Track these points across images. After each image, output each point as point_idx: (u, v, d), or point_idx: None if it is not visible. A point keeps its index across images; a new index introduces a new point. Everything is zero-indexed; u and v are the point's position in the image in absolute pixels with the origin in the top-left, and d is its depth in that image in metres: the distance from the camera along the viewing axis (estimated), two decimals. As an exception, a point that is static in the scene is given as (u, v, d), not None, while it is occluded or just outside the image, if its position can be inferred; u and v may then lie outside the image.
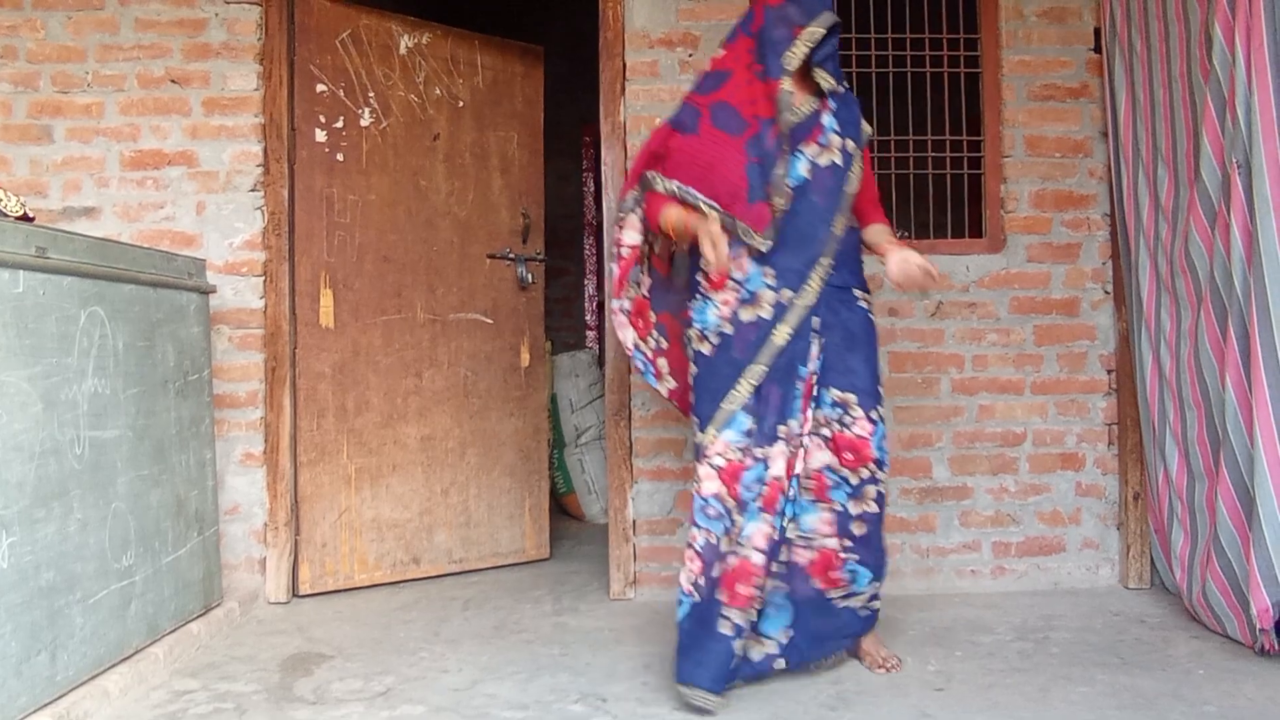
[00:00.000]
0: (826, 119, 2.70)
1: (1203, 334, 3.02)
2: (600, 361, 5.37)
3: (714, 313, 2.65)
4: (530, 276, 4.10)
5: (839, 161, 2.69)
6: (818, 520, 2.66)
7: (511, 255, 4.06)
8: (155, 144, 3.55)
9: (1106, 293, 3.65)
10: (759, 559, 2.55)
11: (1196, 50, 3.03)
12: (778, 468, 2.58)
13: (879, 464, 2.67)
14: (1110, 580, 3.63)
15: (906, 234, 3.72)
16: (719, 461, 2.58)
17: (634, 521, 3.58)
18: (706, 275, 2.67)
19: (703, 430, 2.62)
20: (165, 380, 2.95)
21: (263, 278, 3.54)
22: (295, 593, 3.59)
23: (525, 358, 4.12)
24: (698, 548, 2.59)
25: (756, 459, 2.59)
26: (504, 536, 4.06)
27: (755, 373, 2.58)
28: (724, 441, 2.59)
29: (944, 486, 3.62)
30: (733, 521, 2.57)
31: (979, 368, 3.63)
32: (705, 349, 2.66)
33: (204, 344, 3.22)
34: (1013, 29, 3.65)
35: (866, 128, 2.81)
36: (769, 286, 2.61)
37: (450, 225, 3.93)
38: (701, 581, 2.58)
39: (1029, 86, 3.65)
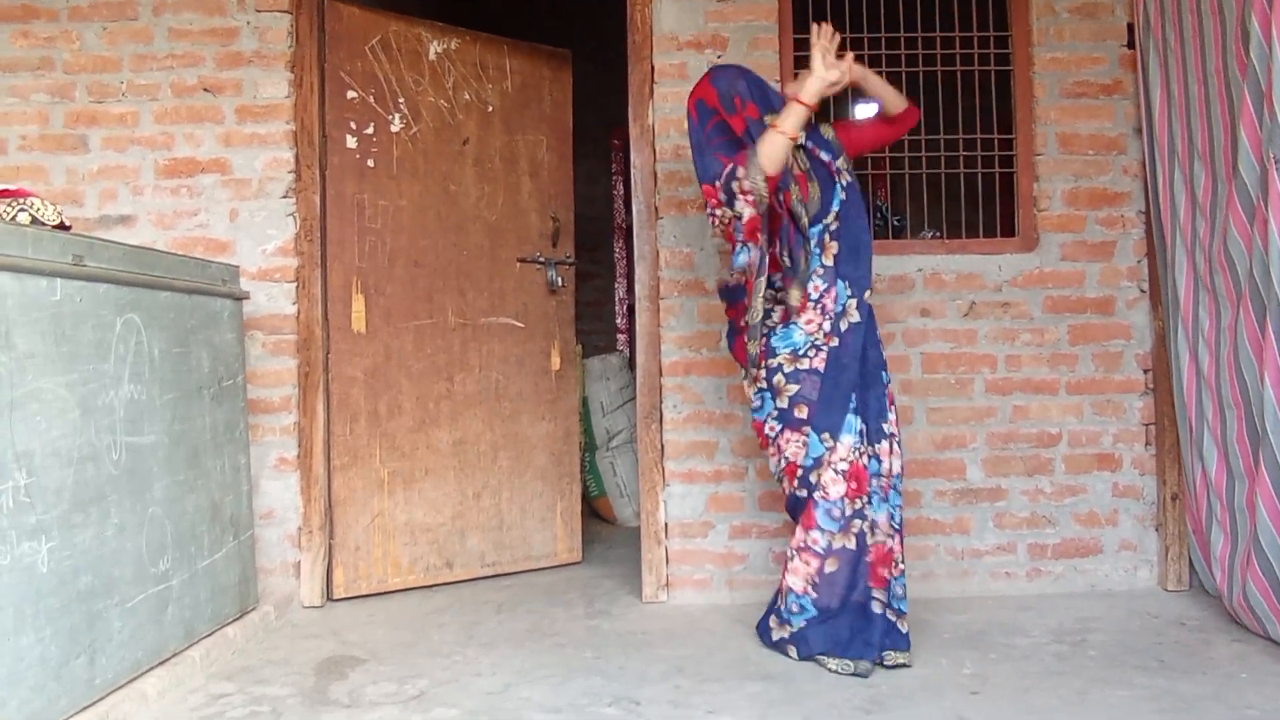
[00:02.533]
0: (824, 155, 3.01)
1: (1242, 332, 2.97)
2: (631, 365, 5.37)
3: (801, 334, 2.90)
4: (560, 280, 4.11)
5: (854, 179, 3.03)
6: (884, 518, 2.89)
7: (541, 259, 4.07)
8: (189, 152, 3.59)
9: (1142, 291, 3.60)
10: (890, 543, 2.87)
11: (1233, 44, 2.99)
12: (888, 463, 2.89)
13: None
14: (1149, 582, 3.58)
15: (939, 233, 3.69)
16: (843, 466, 2.84)
17: (666, 525, 3.58)
18: (780, 303, 2.94)
19: (825, 440, 2.86)
20: (200, 386, 2.98)
21: (295, 284, 3.57)
22: (329, 596, 3.62)
23: (556, 361, 4.13)
24: (818, 550, 2.85)
25: (872, 455, 2.88)
26: (536, 540, 4.06)
27: (855, 378, 2.88)
28: (846, 446, 2.85)
29: (978, 488, 3.59)
30: (863, 516, 2.84)
31: (1013, 368, 3.60)
32: (809, 365, 2.89)
33: (238, 350, 3.25)
34: (1044, 25, 3.62)
35: (826, 130, 3.04)
36: (850, 295, 2.91)
37: (480, 229, 3.95)
38: (818, 580, 2.85)
39: (1061, 83, 3.62)
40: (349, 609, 3.54)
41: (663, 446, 3.58)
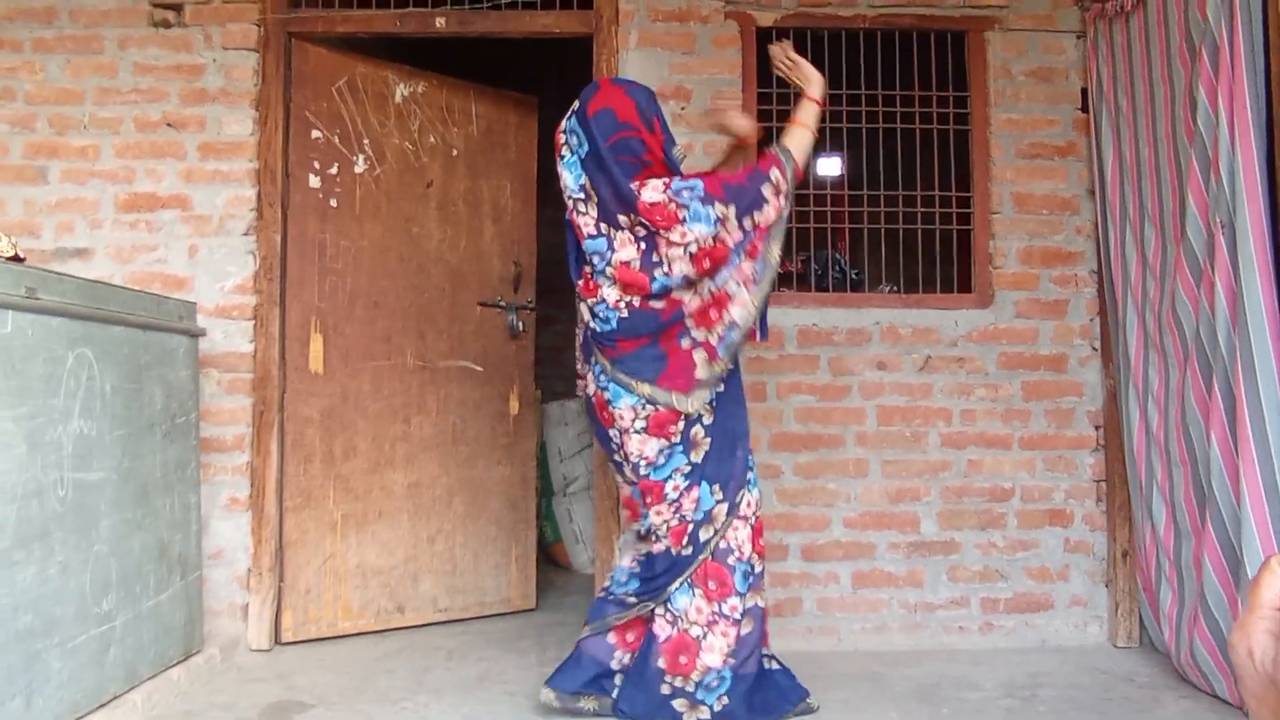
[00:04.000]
0: None
1: (1189, 392, 3.04)
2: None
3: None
4: (521, 325, 4.12)
5: None
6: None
7: (503, 303, 4.09)
8: (150, 187, 3.58)
9: (1094, 349, 3.68)
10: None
11: (1181, 111, 3.08)
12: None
13: None
14: (1099, 638, 3.62)
15: (896, 288, 3.76)
16: (755, 521, 2.76)
17: (620, 572, 3.57)
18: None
19: (715, 493, 2.71)
20: (152, 423, 2.95)
21: (253, 321, 3.56)
22: (278, 640, 3.57)
23: (514, 405, 4.13)
24: (736, 617, 2.67)
25: (760, 511, 2.81)
26: (490, 586, 4.04)
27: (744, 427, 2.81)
28: (755, 500, 2.78)
29: (931, 541, 3.62)
30: (758, 575, 2.75)
31: (967, 422, 3.65)
32: (711, 418, 2.71)
33: (192, 387, 3.23)
34: (1001, 87, 3.72)
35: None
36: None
37: (442, 272, 3.96)
38: (736, 645, 2.67)
39: (1017, 144, 3.71)
40: (297, 653, 3.50)
41: (619, 494, 3.59)
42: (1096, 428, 3.66)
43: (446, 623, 3.91)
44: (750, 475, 2.77)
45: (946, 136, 3.82)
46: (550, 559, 5.23)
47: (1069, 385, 3.67)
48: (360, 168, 3.78)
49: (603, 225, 2.63)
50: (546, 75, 5.46)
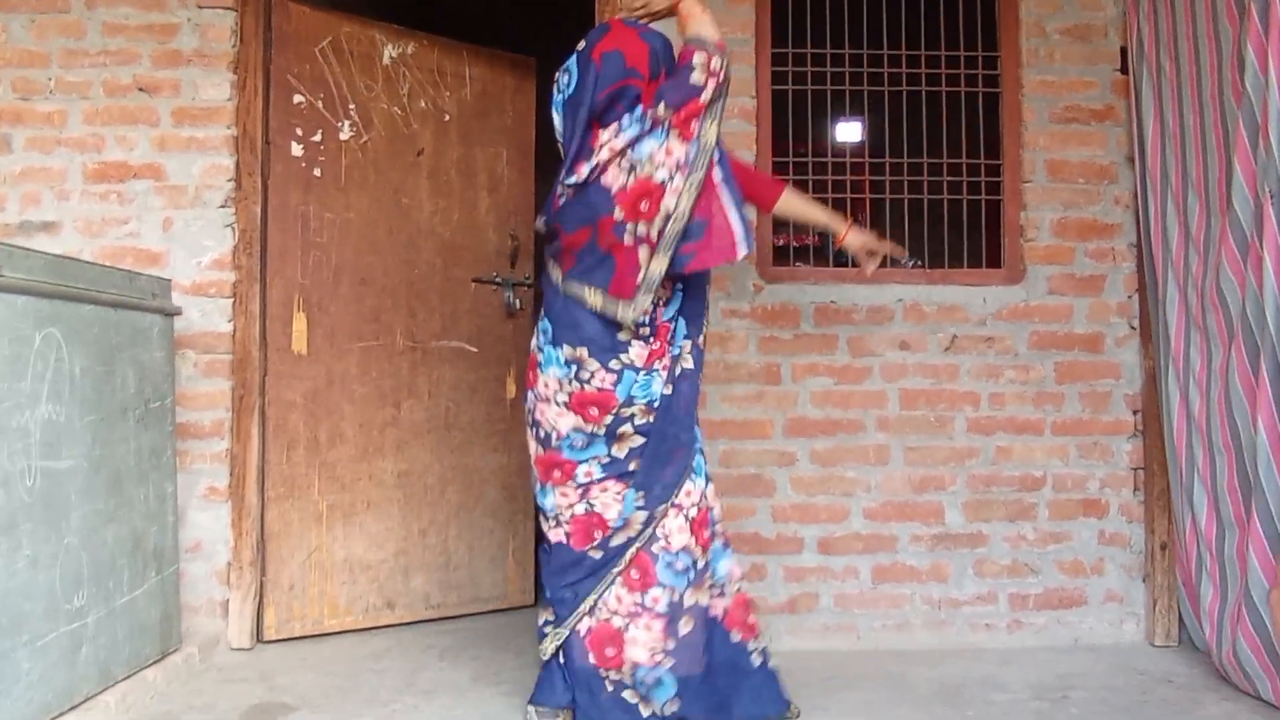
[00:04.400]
0: None
1: (1234, 373, 3.02)
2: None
3: (659, 382, 2.66)
4: (518, 302, 4.11)
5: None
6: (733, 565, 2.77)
7: (498, 279, 4.07)
8: (121, 155, 3.56)
9: (1133, 328, 3.66)
10: (745, 588, 2.75)
11: (1229, 72, 3.05)
12: (718, 506, 2.78)
13: None
14: (1135, 636, 3.61)
15: (920, 262, 3.74)
16: (696, 512, 2.68)
17: (625, 566, 3.57)
18: (650, 351, 2.67)
19: (639, 500, 2.65)
20: (125, 408, 2.95)
21: (232, 299, 3.55)
22: (260, 638, 3.57)
23: (511, 389, 4.12)
24: (661, 610, 2.59)
25: (710, 502, 2.74)
26: (485, 581, 4.04)
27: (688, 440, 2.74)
28: (695, 489, 2.70)
29: (957, 533, 3.61)
30: (700, 569, 2.67)
31: (996, 406, 3.63)
32: (648, 420, 2.66)
33: (167, 369, 3.22)
34: (1034, 47, 3.69)
35: None
36: (687, 335, 2.74)
37: (433, 246, 3.94)
38: (678, 649, 2.59)
39: (1051, 108, 3.68)
40: (280, 652, 3.50)
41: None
42: (1134, 412, 3.65)
43: (439, 620, 3.92)
44: (695, 464, 2.71)
45: (975, 100, 3.79)
46: (550, 552, 5.23)
47: (1105, 367, 3.65)
48: (346, 135, 3.76)
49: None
50: (545, 36, 5.42)
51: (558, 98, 2.68)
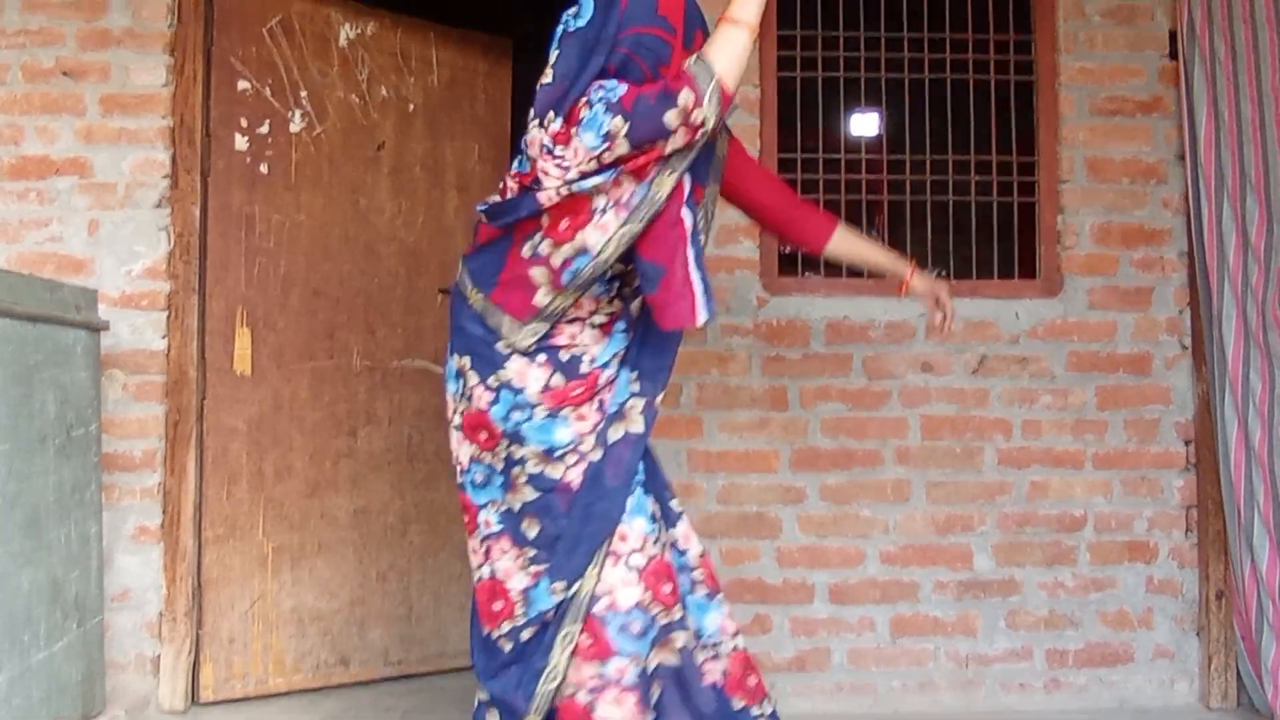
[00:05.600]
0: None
1: (1298, 400, 3.04)
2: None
3: (568, 431, 2.43)
4: (491, 316, 4.12)
5: (707, 231, 2.63)
6: (722, 619, 2.56)
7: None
8: (41, 149, 3.56)
9: (1184, 347, 3.68)
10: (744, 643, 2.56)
11: (1290, 61, 3.09)
12: (695, 548, 2.57)
13: None
14: (1188, 698, 3.63)
15: (944, 272, 3.76)
16: (639, 560, 2.41)
17: (611, 616, 3.57)
18: (549, 386, 2.44)
19: (557, 591, 2.41)
20: (43, 436, 2.95)
21: (166, 313, 3.55)
22: (195, 699, 3.56)
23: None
24: (630, 682, 2.36)
25: (684, 545, 2.55)
26: (453, 634, 4.04)
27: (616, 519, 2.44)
28: (638, 532, 2.42)
29: (987, 580, 3.62)
30: (685, 627, 2.45)
31: (1030, 436, 3.65)
32: (561, 476, 2.42)
33: (93, 392, 3.22)
34: (1072, 30, 3.72)
35: (722, 142, 2.63)
36: (638, 394, 2.48)
37: (395, 253, 3.96)
38: (651, 718, 2.41)
39: (1091, 99, 3.71)
40: (219, 716, 3.50)
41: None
42: (1186, 443, 3.67)
43: (400, 678, 3.91)
44: (637, 501, 2.48)
45: (1006, 89, 3.82)
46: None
47: (1153, 391, 3.67)
48: (297, 126, 3.78)
49: None
50: (521, 13, 5.45)
51: (558, 31, 2.42)
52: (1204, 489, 3.63)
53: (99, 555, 3.25)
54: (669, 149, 2.28)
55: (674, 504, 2.57)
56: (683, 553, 2.54)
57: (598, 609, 2.38)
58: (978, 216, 3.94)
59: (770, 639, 3.56)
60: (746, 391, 3.62)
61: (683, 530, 2.56)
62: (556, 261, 2.35)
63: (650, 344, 2.51)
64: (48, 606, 2.95)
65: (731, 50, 2.28)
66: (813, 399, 3.63)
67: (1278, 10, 3.15)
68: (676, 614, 2.43)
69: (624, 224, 2.30)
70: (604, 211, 2.31)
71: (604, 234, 2.30)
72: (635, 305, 2.51)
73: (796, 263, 4.17)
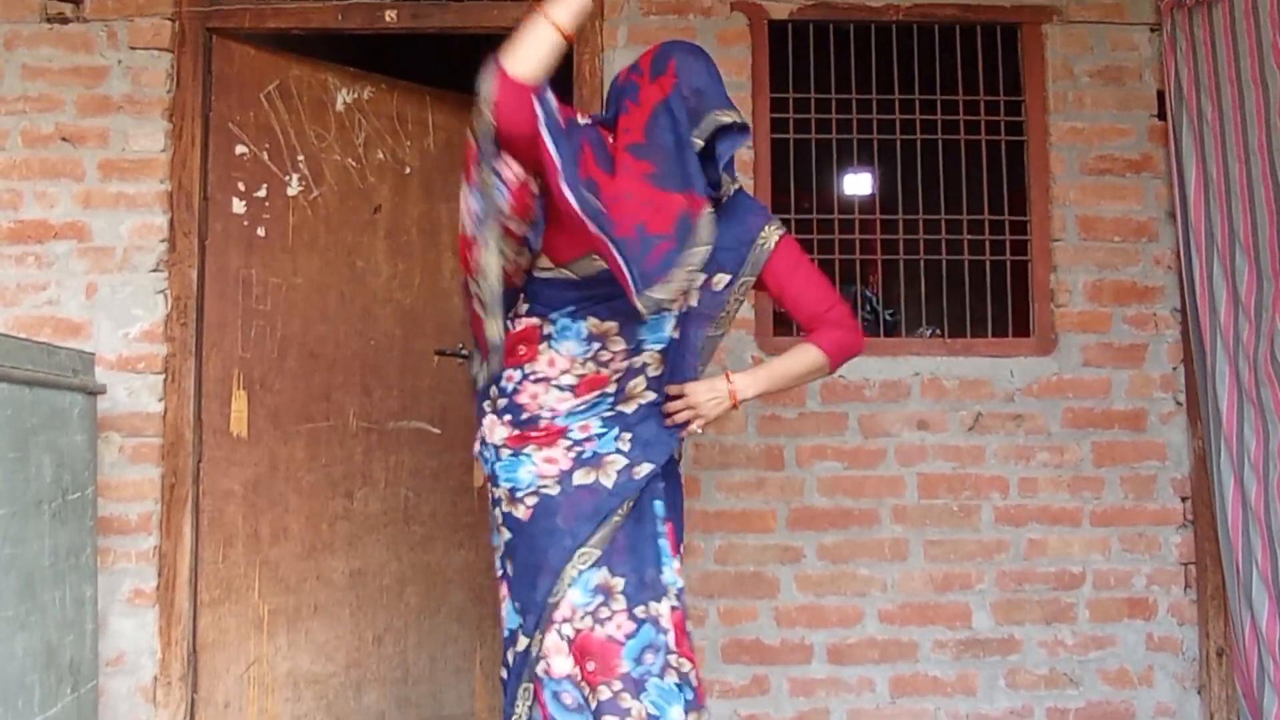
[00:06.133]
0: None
1: (1293, 455, 3.05)
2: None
3: (529, 471, 2.46)
4: (487, 377, 4.13)
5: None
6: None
7: (465, 351, 4.10)
8: (40, 213, 3.59)
9: (1179, 404, 3.69)
10: None
11: (1276, 119, 3.12)
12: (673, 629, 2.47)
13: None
14: (1191, 756, 3.61)
15: (939, 331, 3.78)
16: (568, 630, 2.40)
17: (608, 678, 3.56)
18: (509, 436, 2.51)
19: (531, 627, 2.46)
20: (39, 500, 2.95)
21: (163, 376, 3.57)
22: (189, 764, 3.54)
23: (478, 476, 4.12)
24: None
25: (645, 619, 2.44)
26: (449, 696, 4.01)
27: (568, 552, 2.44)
28: (569, 603, 2.41)
29: (986, 638, 3.61)
30: (594, 709, 2.37)
31: (1027, 493, 3.66)
32: (520, 513, 2.46)
33: (89, 456, 3.22)
34: (1062, 91, 3.76)
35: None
36: (620, 452, 2.49)
37: (392, 315, 3.98)
38: None
39: (1082, 158, 3.75)
40: (213, 780, 3.47)
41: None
42: (1183, 499, 3.67)
43: (396, 741, 3.89)
44: (578, 575, 2.44)
45: (997, 149, 3.86)
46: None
47: (1149, 447, 3.68)
48: (294, 189, 3.81)
49: None
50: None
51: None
52: (1202, 545, 3.63)
53: (94, 619, 3.24)
54: (481, 140, 2.35)
55: (667, 574, 2.50)
56: (664, 631, 2.45)
57: (539, 670, 2.43)
58: (971, 275, 3.96)
59: (769, 699, 3.54)
60: (742, 450, 3.63)
61: (664, 606, 2.46)
62: (473, 289, 2.44)
63: (654, 417, 2.55)
64: (42, 672, 2.94)
65: (524, 37, 2.36)
66: (809, 458, 3.64)
67: (1263, 70, 3.20)
68: (604, 694, 2.34)
69: (480, 229, 2.35)
70: (475, 231, 2.37)
71: (485, 252, 2.37)
72: (620, 369, 2.50)
73: (791, 323, 4.17)
